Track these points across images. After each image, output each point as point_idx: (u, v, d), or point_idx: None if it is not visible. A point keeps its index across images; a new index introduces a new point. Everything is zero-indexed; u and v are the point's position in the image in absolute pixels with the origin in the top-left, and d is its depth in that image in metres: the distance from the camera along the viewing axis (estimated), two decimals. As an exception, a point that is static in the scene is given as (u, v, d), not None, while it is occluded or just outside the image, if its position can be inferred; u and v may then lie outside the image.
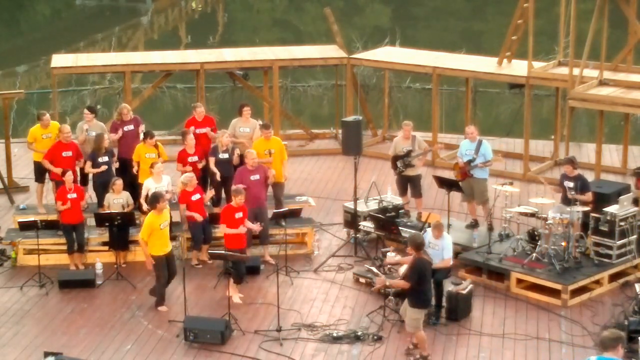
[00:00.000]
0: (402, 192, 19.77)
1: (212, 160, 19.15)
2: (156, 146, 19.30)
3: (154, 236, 16.32)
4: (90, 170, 19.21)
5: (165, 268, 16.54)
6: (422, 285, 14.70)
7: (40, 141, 19.82)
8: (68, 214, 18.10)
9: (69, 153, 19.18)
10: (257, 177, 18.14)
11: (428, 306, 15.06)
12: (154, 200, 16.45)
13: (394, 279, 15.15)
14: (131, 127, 19.89)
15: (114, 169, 19.30)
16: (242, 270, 16.76)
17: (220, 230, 17.15)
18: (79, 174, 19.26)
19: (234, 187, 17.22)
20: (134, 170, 19.17)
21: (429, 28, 44.38)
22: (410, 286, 14.64)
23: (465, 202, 19.57)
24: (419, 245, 14.71)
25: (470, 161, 19.03)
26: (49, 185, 19.81)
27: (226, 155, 19.17)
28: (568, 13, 21.73)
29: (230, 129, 19.96)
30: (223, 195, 19.45)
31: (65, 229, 18.17)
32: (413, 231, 18.14)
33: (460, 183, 19.06)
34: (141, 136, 19.60)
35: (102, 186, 18.96)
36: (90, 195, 19.77)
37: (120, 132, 19.73)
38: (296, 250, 18.99)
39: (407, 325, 15.05)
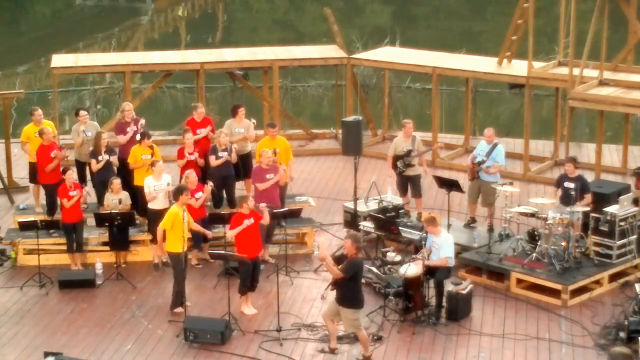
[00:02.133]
0: (403, 192, 19.78)
1: (212, 158, 19.15)
2: (151, 147, 19.26)
3: (175, 230, 16.23)
4: (94, 166, 19.19)
5: (183, 266, 16.43)
6: (357, 285, 14.69)
7: (33, 139, 19.81)
8: (68, 212, 18.10)
9: (55, 151, 19.19)
10: (271, 175, 18.15)
11: (363, 305, 14.94)
12: (179, 192, 16.49)
13: (334, 266, 14.68)
14: (134, 128, 19.87)
15: (115, 168, 19.23)
16: (247, 283, 16.44)
17: (228, 235, 16.80)
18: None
19: (239, 196, 16.93)
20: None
21: (429, 28, 44.38)
22: (342, 279, 14.50)
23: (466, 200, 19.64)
24: (359, 246, 14.71)
25: (480, 163, 19.07)
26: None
27: (225, 154, 19.17)
28: (568, 13, 21.73)
29: (225, 130, 19.93)
30: (224, 195, 19.50)
31: (66, 228, 18.17)
32: (413, 231, 18.21)
33: (469, 182, 19.15)
34: (137, 137, 19.55)
35: (102, 184, 18.94)
36: (89, 193, 19.72)
37: (129, 134, 19.68)
38: (296, 250, 19.00)
39: (346, 328, 15.03)
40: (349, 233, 15.38)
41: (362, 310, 14.95)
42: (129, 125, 19.87)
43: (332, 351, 15.26)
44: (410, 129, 19.63)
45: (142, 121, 19.96)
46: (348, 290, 14.66)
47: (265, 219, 16.89)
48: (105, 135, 19.28)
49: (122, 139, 19.78)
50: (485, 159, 19.05)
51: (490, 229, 18.39)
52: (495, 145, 19.15)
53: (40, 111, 20.35)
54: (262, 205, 16.93)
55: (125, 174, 19.23)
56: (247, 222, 16.31)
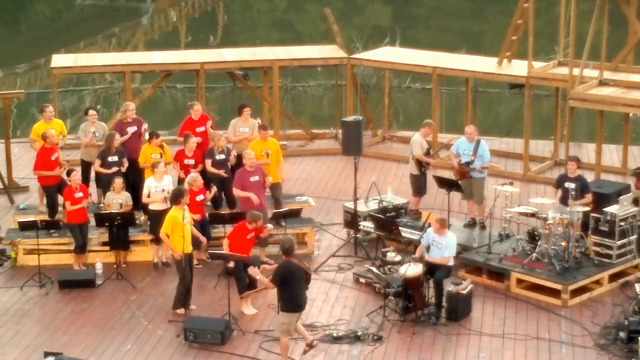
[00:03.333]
0: (422, 192, 19.69)
1: (208, 162, 19.13)
2: (161, 146, 19.30)
3: (177, 233, 16.20)
4: (99, 169, 19.19)
5: (188, 267, 16.38)
6: (290, 289, 14.65)
7: None
8: (74, 213, 18.09)
9: (56, 154, 19.20)
10: (256, 178, 18.14)
11: (298, 311, 14.86)
12: (178, 195, 16.42)
13: (265, 278, 14.97)
14: (134, 127, 19.89)
15: (122, 170, 19.22)
16: (244, 282, 16.49)
17: (223, 245, 16.89)
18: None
19: (252, 212, 16.81)
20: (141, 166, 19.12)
21: (429, 28, 44.38)
22: (275, 287, 14.68)
23: (465, 201, 19.62)
24: (286, 250, 14.72)
25: (468, 163, 19.06)
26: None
27: (222, 156, 19.17)
28: (568, 13, 21.73)
29: (230, 129, 19.98)
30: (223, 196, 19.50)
31: (72, 228, 18.15)
32: (413, 231, 18.22)
33: (459, 182, 19.13)
34: (146, 136, 19.60)
35: (109, 185, 18.89)
36: (91, 194, 19.70)
37: (128, 134, 19.69)
38: (296, 251, 18.94)
39: (277, 330, 15.08)
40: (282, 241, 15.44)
41: (296, 315, 14.85)
42: (129, 125, 19.88)
43: (311, 346, 15.28)
44: (434, 129, 19.69)
45: (145, 125, 20.00)
46: (282, 294, 14.73)
47: (265, 234, 17.03)
48: (117, 137, 19.28)
49: (120, 139, 19.76)
50: (473, 159, 19.05)
51: (483, 227, 18.48)
52: (479, 142, 19.14)
53: (51, 108, 20.36)
54: (270, 226, 16.98)
55: (128, 173, 19.24)
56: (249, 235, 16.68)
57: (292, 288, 14.65)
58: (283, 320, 14.79)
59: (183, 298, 16.50)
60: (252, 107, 20.44)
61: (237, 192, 18.12)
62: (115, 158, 19.13)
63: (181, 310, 16.47)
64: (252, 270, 15.34)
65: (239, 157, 19.25)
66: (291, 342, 15.63)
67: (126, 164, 19.24)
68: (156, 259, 18.46)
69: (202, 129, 19.99)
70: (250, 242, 16.69)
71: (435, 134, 23.41)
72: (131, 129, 19.83)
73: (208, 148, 19.39)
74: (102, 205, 18.81)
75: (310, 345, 15.17)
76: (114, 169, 18.99)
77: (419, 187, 19.80)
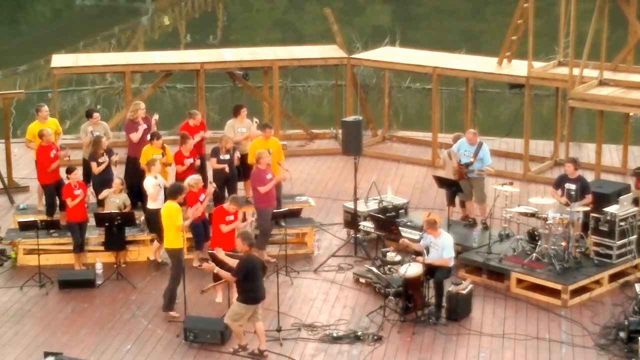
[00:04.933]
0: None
1: (213, 161, 19.18)
2: (163, 147, 19.32)
3: (174, 227, 16.30)
4: (96, 169, 19.22)
5: (183, 262, 16.43)
6: (250, 282, 14.85)
7: (38, 137, 19.79)
8: (73, 212, 18.10)
9: (54, 151, 19.25)
10: (270, 175, 18.23)
11: (254, 303, 15.01)
12: (178, 191, 16.54)
13: (224, 270, 15.21)
14: (145, 126, 19.94)
15: (112, 168, 19.29)
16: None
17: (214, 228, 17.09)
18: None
19: (233, 197, 17.17)
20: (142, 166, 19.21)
21: (429, 28, 44.40)
22: (236, 281, 14.89)
23: (464, 201, 19.62)
24: (251, 243, 14.92)
25: (467, 164, 19.06)
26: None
27: (227, 157, 19.20)
28: (568, 13, 21.72)
29: (228, 130, 19.94)
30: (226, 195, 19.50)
31: (71, 227, 18.15)
32: (413, 231, 18.21)
33: (460, 182, 19.14)
34: (154, 129, 19.70)
35: (102, 184, 18.95)
36: (93, 193, 19.72)
37: (140, 132, 19.75)
38: (296, 250, 19.00)
39: (227, 316, 15.24)
40: (240, 232, 15.46)
41: (252, 307, 14.98)
42: (140, 124, 19.93)
43: (244, 348, 15.37)
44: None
45: (156, 116, 20.09)
46: (242, 287, 14.90)
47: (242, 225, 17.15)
48: (104, 140, 19.32)
49: (135, 136, 19.80)
50: (473, 160, 19.05)
51: (485, 227, 18.46)
52: (481, 145, 19.13)
53: (46, 107, 20.41)
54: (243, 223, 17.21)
55: (134, 173, 19.27)
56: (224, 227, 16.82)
57: (252, 281, 14.87)
58: (237, 310, 14.96)
59: (174, 297, 16.55)
60: (247, 108, 20.45)
61: (263, 189, 18.08)
62: (105, 158, 19.18)
63: (174, 313, 16.49)
64: (207, 266, 15.48)
65: (245, 157, 19.38)
66: (291, 342, 15.68)
67: (116, 158, 19.34)
68: (152, 257, 18.46)
69: (198, 137, 20.00)
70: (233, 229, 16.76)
71: (435, 135, 23.45)
72: (141, 127, 19.87)
73: (213, 147, 19.44)
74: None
75: (244, 348, 15.32)
76: (103, 166, 19.01)
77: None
